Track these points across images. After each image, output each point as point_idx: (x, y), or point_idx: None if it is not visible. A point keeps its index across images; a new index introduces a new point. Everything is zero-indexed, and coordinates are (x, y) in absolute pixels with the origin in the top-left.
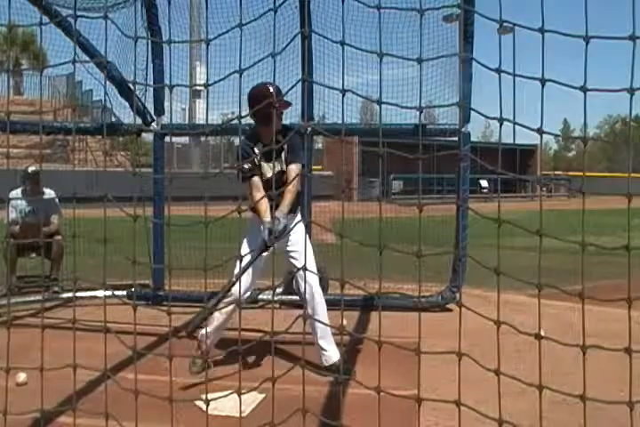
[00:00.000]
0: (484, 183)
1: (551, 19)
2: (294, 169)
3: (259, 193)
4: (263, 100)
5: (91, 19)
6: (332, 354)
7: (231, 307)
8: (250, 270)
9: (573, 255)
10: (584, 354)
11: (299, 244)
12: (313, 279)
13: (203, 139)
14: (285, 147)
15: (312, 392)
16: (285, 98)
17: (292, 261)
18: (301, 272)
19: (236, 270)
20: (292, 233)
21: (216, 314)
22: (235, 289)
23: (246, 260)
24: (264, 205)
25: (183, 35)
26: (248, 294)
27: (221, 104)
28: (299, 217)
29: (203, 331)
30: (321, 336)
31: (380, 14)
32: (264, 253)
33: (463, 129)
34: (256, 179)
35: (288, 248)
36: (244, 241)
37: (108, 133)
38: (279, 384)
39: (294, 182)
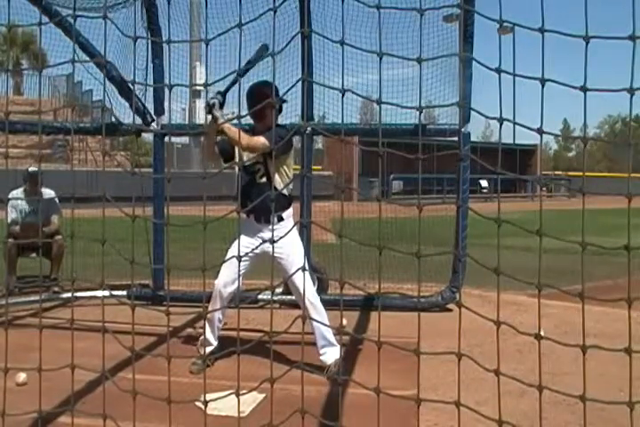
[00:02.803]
0: (483, 183)
1: (551, 18)
2: (259, 137)
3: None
4: (262, 98)
5: (90, 19)
6: (333, 353)
7: (218, 302)
8: (234, 266)
9: (573, 255)
10: (584, 354)
11: (287, 251)
12: (306, 286)
13: (202, 139)
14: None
15: (312, 392)
16: (285, 98)
17: (282, 267)
18: (293, 279)
19: (222, 269)
20: (282, 249)
21: (208, 316)
22: (217, 283)
23: (231, 256)
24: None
25: (183, 35)
26: (234, 288)
27: None
28: (288, 224)
29: (203, 336)
30: (320, 338)
31: (380, 14)
32: (248, 254)
33: (463, 129)
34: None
35: (277, 255)
36: (235, 241)
37: (107, 133)
38: (279, 384)
39: (251, 138)
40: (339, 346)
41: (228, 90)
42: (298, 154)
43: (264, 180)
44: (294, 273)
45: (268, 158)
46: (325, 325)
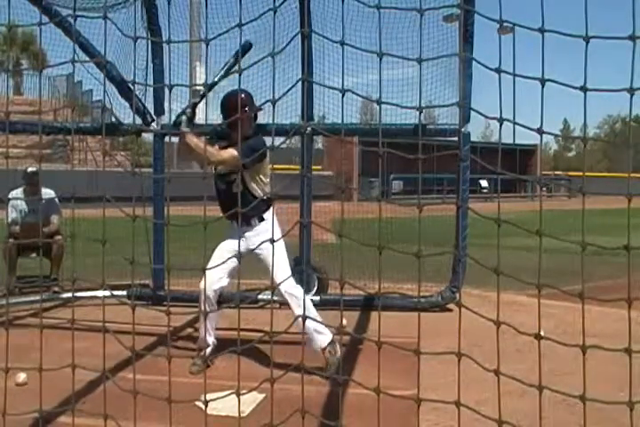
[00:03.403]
0: (483, 183)
1: (551, 18)
2: (227, 150)
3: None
4: (235, 108)
5: (90, 19)
6: (324, 338)
7: (206, 304)
8: (217, 269)
9: (573, 255)
10: (584, 354)
11: (267, 251)
12: (292, 292)
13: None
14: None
15: (312, 392)
16: (285, 98)
17: (263, 266)
18: (280, 287)
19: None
20: (262, 245)
21: (202, 317)
22: (201, 286)
23: (216, 258)
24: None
25: (183, 35)
26: (219, 286)
27: None
28: (269, 223)
29: (201, 335)
30: (310, 331)
31: (380, 14)
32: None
33: (463, 129)
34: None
35: (259, 255)
36: (219, 245)
37: (107, 133)
38: (279, 384)
39: (217, 152)
40: (329, 333)
41: (199, 102)
42: (297, 154)
43: (240, 188)
44: (282, 282)
45: (240, 167)
46: (315, 319)
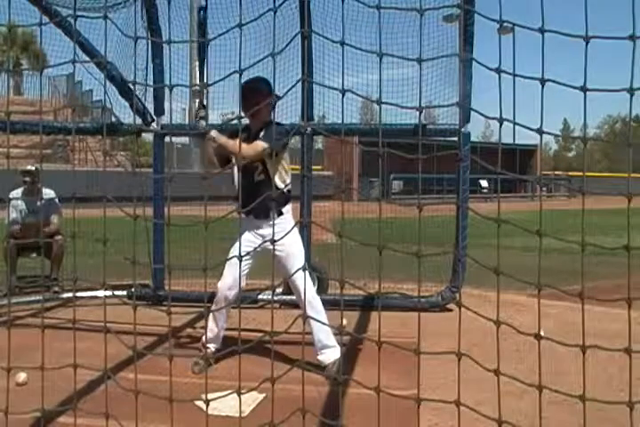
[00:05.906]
0: (483, 183)
1: (551, 18)
2: (257, 142)
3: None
4: (255, 94)
5: (91, 19)
6: (332, 353)
7: (223, 304)
8: (236, 268)
9: (573, 255)
10: (584, 354)
11: (287, 249)
12: (304, 283)
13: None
14: (262, 134)
15: (312, 392)
16: (285, 98)
17: (281, 265)
18: (293, 278)
19: (225, 271)
20: (281, 244)
21: (211, 315)
22: (221, 285)
23: (232, 256)
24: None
25: (183, 35)
26: (235, 290)
27: (221, 104)
28: (287, 218)
29: (208, 335)
30: (319, 338)
31: (380, 14)
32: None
33: (463, 129)
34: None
35: (277, 253)
36: (236, 244)
37: (107, 133)
38: (279, 384)
39: (250, 146)
40: (338, 347)
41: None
42: (297, 154)
43: (262, 177)
44: (295, 273)
45: (265, 156)
46: (323, 323)
